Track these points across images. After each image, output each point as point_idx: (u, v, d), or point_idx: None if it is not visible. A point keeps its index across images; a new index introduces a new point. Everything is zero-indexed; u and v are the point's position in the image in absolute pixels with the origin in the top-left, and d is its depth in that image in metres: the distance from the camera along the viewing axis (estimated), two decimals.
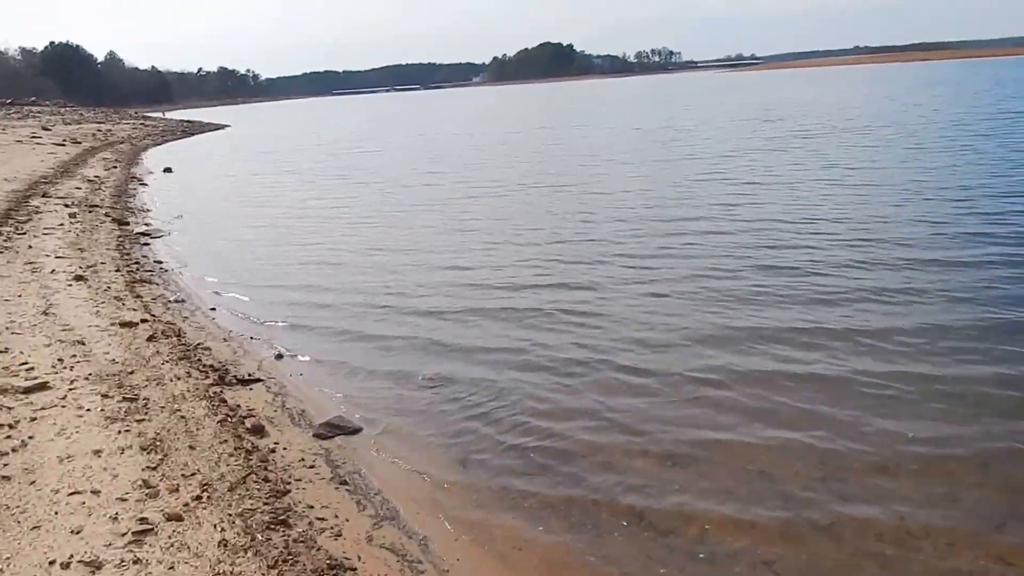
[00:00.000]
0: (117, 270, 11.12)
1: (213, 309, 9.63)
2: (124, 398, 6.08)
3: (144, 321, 8.38)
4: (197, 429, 5.65)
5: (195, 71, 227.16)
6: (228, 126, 68.52)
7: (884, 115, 33.17)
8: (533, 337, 7.86)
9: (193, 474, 4.92)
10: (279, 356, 7.82)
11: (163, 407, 6.02)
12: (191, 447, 5.32)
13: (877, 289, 8.39)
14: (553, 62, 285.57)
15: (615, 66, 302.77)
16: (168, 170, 28.05)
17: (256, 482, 4.93)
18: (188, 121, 71.33)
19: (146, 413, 5.87)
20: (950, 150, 19.69)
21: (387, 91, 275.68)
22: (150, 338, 7.77)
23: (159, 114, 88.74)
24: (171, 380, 6.64)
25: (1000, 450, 5.07)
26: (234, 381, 6.95)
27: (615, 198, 15.91)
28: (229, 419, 5.93)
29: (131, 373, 6.71)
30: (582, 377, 6.76)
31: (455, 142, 35.56)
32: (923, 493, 4.66)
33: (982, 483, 4.74)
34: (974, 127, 25.21)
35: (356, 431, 6.02)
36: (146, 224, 16.00)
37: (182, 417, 5.85)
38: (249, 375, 7.15)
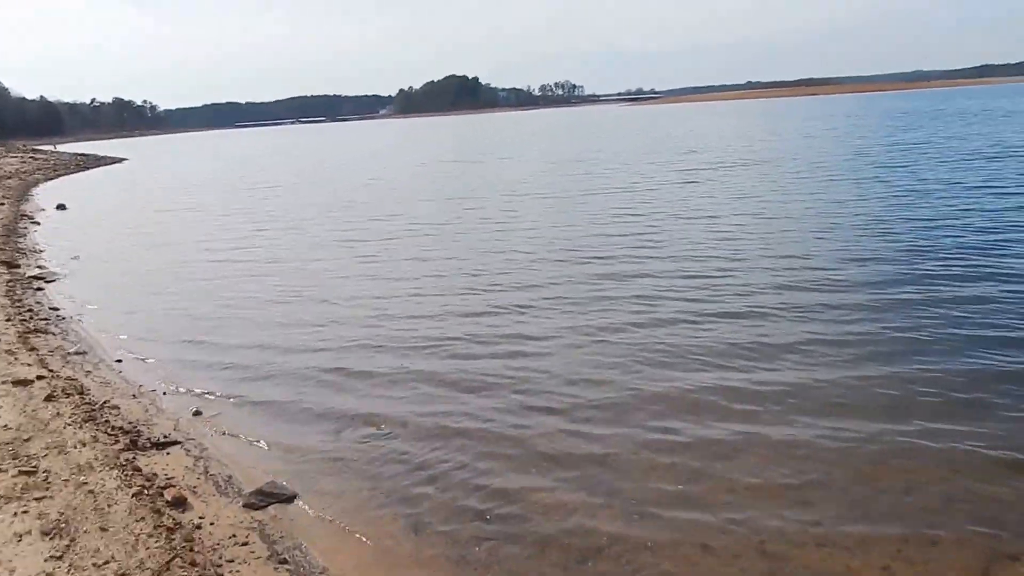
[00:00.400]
0: (8, 319, 10.11)
1: (119, 361, 8.81)
2: (20, 471, 5.36)
3: (41, 378, 7.56)
4: (109, 506, 5.00)
5: (88, 102, 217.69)
6: (126, 160, 65.52)
7: (788, 147, 34.34)
8: (471, 395, 7.30)
9: (107, 562, 4.30)
10: (197, 413, 7.15)
11: (67, 480, 5.33)
12: (103, 528, 4.68)
13: (822, 335, 8.16)
14: (459, 94, 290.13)
15: (520, 99, 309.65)
16: (62, 207, 26.33)
17: (182, 567, 4.35)
18: (82, 154, 67.96)
19: (47, 489, 5.18)
20: (859, 181, 20.42)
21: (292, 123, 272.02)
22: (49, 397, 6.99)
23: (50, 147, 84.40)
24: (76, 447, 5.93)
25: (970, 511, 4.92)
26: (148, 445, 6.27)
27: (537, 234, 15.60)
28: (146, 491, 5.29)
29: (27, 440, 5.96)
30: (530, 442, 6.20)
31: (366, 176, 34.73)
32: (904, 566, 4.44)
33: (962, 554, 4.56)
34: (875, 158, 26.41)
35: (291, 498, 5.47)
36: (39, 267, 14.77)
37: (90, 492, 5.18)
38: (165, 436, 6.48)
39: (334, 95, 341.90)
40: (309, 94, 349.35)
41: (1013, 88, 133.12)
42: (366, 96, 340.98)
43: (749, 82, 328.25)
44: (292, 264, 14.25)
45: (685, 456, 5.81)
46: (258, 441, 6.54)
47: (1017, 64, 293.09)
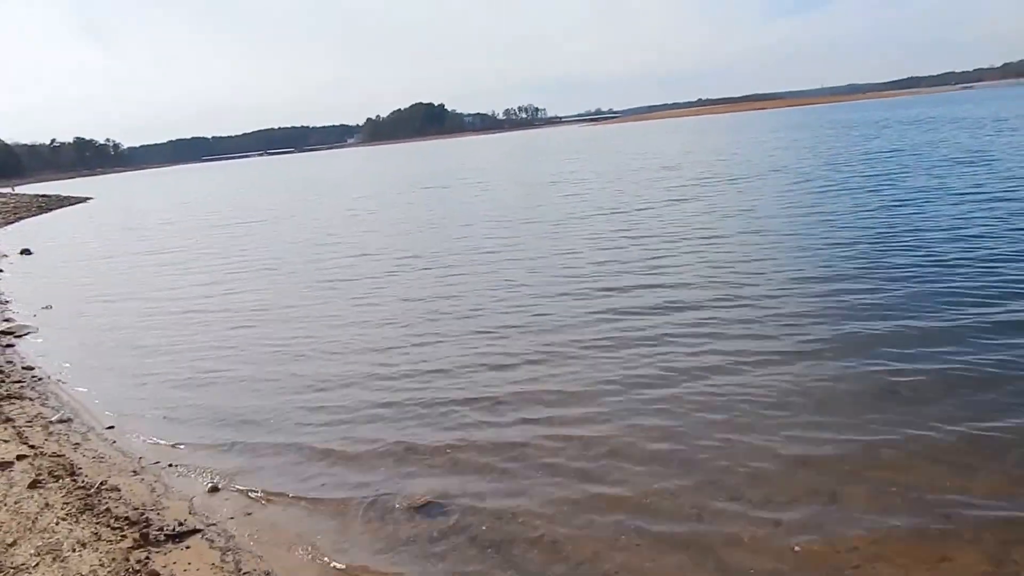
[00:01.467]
0: None
1: (111, 428, 7.68)
2: None
3: (22, 457, 6.45)
4: None
5: (47, 142, 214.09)
6: (90, 199, 63.84)
7: (765, 160, 33.75)
8: (523, 451, 6.26)
9: None
10: (214, 489, 6.09)
11: None
12: None
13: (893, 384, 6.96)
14: (426, 121, 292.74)
15: (486, 123, 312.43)
16: (27, 252, 24.92)
17: None
18: (44, 195, 66.02)
19: None
20: (851, 192, 19.76)
21: (260, 155, 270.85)
22: (33, 483, 5.89)
23: (8, 189, 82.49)
24: (74, 549, 4.86)
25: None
26: (162, 537, 5.20)
27: (537, 265, 14.23)
28: None
29: (12, 545, 4.89)
30: (608, 507, 5.29)
31: (339, 207, 33.24)
32: None
33: None
34: (855, 168, 25.87)
35: None
36: (7, 319, 13.51)
37: None
38: (180, 524, 5.41)
39: (301, 126, 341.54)
40: (276, 126, 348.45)
41: (938, 98, 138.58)
42: (334, 126, 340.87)
43: (700, 99, 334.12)
44: (278, 310, 12.65)
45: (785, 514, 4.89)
46: (293, 521, 5.50)
47: (940, 75, 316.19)
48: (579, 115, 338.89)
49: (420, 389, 7.95)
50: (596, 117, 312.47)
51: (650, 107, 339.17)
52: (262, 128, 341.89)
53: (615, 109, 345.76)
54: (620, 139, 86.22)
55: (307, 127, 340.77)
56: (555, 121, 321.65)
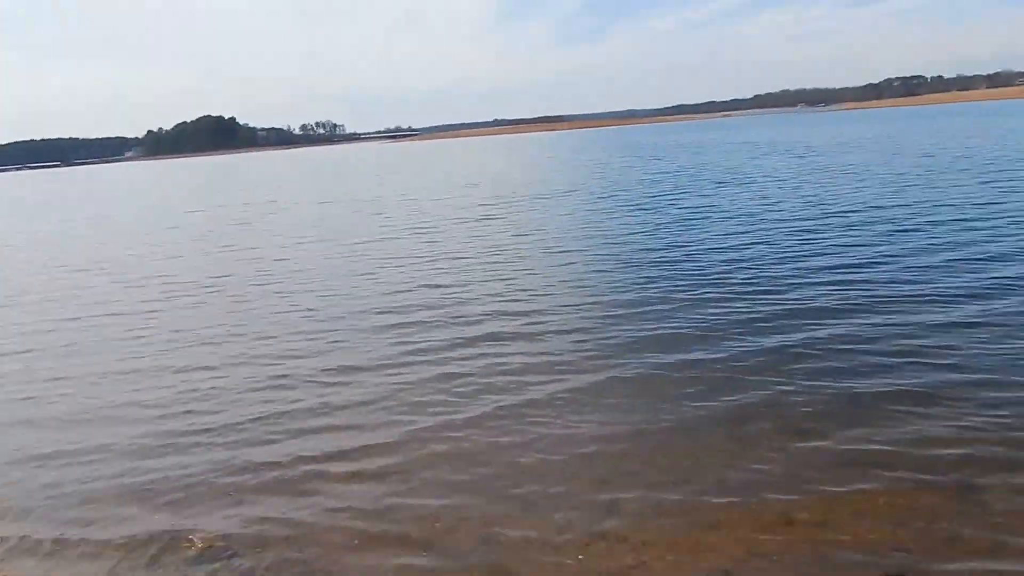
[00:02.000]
0: None
1: None
2: None
3: None
4: None
5: None
6: None
7: (562, 179, 35.77)
8: (305, 507, 6.11)
9: None
10: None
11: None
12: None
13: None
14: (215, 135, 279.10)
15: (281, 138, 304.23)
16: None
17: None
18: None
19: None
20: (633, 211, 21.53)
21: (18, 169, 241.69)
22: None
23: None
24: None
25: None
26: None
27: (331, 290, 13.49)
28: None
29: None
30: (399, 527, 5.33)
31: (105, 230, 29.29)
32: None
33: None
34: (640, 189, 28.06)
35: None
36: None
37: None
38: None
39: (70, 138, 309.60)
40: (39, 137, 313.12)
41: (705, 124, 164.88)
42: (109, 139, 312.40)
43: (496, 120, 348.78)
44: (48, 352, 10.77)
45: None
46: None
47: (704, 103, 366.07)
48: (379, 132, 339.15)
49: (195, 446, 7.11)
50: (396, 135, 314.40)
51: (449, 125, 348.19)
52: (21, 139, 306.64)
53: (414, 127, 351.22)
54: (422, 157, 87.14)
55: (77, 139, 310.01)
56: (354, 137, 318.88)
